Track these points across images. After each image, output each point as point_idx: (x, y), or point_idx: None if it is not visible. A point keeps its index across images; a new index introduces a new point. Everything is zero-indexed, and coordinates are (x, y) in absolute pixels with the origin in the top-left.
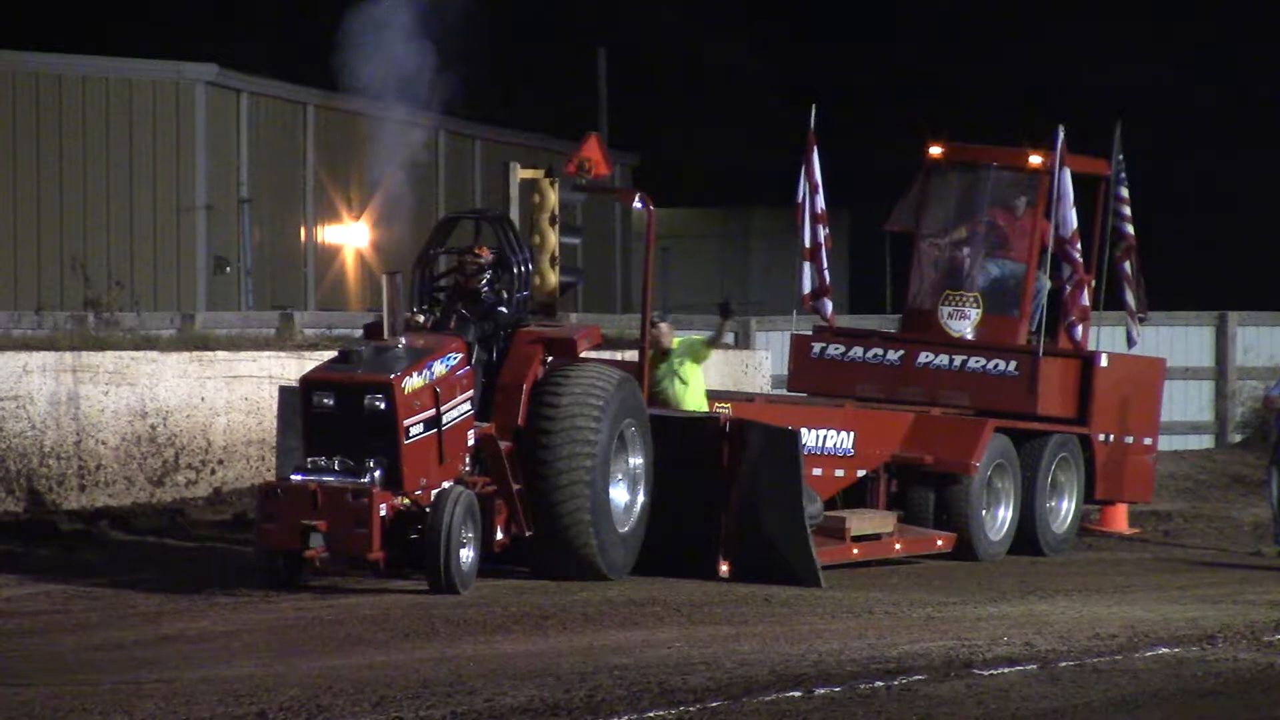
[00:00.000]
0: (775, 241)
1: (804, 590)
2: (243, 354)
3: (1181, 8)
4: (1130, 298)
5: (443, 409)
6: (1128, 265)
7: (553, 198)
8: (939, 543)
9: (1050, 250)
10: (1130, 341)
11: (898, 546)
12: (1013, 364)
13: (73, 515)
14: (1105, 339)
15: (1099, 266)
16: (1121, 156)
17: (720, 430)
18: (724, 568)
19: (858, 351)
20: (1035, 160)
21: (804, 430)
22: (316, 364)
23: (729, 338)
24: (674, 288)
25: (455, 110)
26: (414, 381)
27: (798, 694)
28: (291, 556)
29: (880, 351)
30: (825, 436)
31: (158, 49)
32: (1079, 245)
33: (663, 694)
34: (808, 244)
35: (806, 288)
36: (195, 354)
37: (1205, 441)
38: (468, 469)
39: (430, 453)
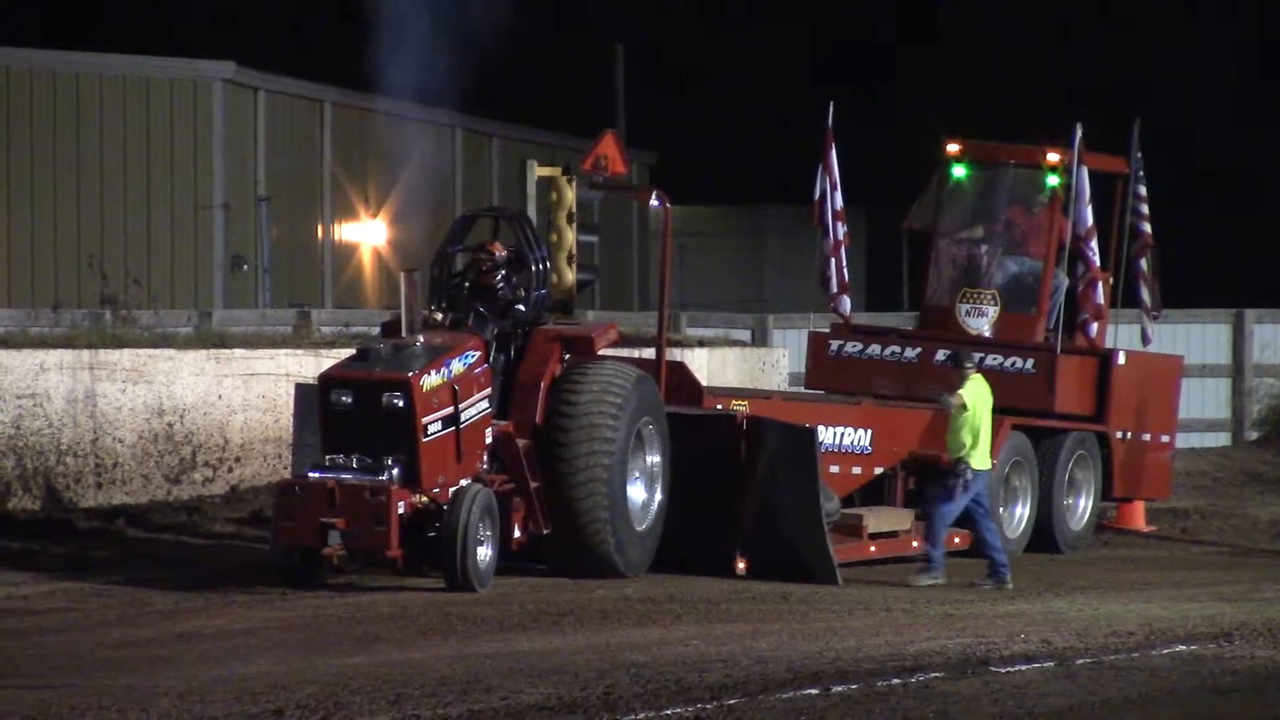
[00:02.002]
0: (791, 239)
1: (821, 588)
2: (260, 352)
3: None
4: (1146, 295)
5: (461, 407)
6: (1144, 263)
7: (570, 195)
8: (956, 540)
9: (1068, 248)
10: (1145, 339)
11: (915, 544)
12: (1030, 362)
13: (90, 513)
14: (1123, 336)
15: (1116, 264)
16: (1140, 154)
17: (738, 428)
18: (741, 565)
19: (875, 349)
20: (1053, 158)
21: (821, 428)
22: (334, 362)
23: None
24: (690, 285)
25: (473, 108)
26: (432, 379)
27: (815, 691)
28: (309, 554)
29: (898, 349)
30: (843, 434)
31: (175, 47)
32: (1094, 243)
33: (680, 692)
34: (831, 242)
35: (834, 287)
36: (212, 352)
37: (1222, 439)
38: (485, 467)
39: (448, 450)
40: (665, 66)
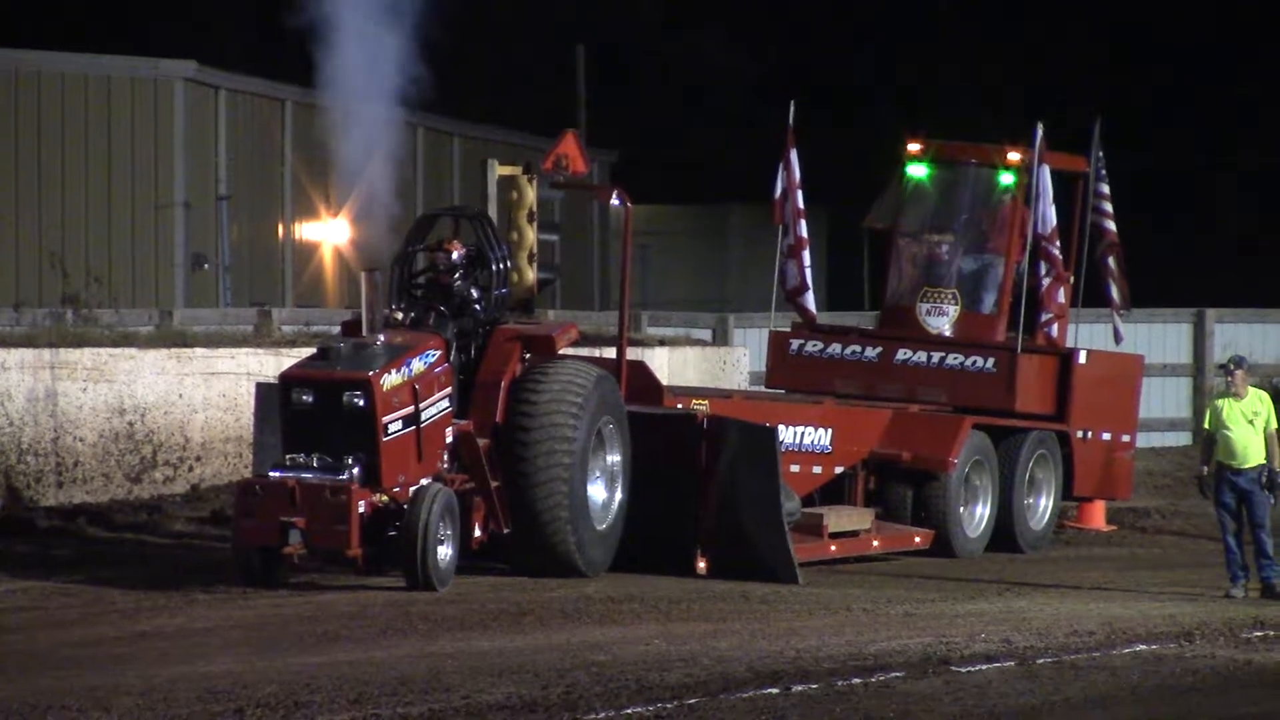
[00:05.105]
0: (753, 238)
1: (781, 587)
2: (221, 351)
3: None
4: (1115, 293)
5: (421, 406)
6: (1111, 261)
7: (531, 195)
8: (917, 539)
9: (1028, 247)
10: (1117, 337)
11: (875, 543)
12: (991, 361)
13: (50, 512)
14: (1084, 335)
15: (1077, 263)
16: (1101, 154)
17: (698, 427)
18: (702, 565)
19: (836, 348)
20: (1014, 157)
21: (782, 427)
22: (295, 361)
23: None
24: (652, 285)
25: (433, 107)
26: (393, 378)
27: (775, 691)
28: (270, 553)
29: (858, 348)
30: (803, 433)
31: (136, 46)
32: (1058, 242)
33: (640, 691)
34: (793, 240)
35: (802, 286)
36: (173, 351)
37: (1183, 438)
38: (446, 466)
39: (409, 450)
40: (627, 65)
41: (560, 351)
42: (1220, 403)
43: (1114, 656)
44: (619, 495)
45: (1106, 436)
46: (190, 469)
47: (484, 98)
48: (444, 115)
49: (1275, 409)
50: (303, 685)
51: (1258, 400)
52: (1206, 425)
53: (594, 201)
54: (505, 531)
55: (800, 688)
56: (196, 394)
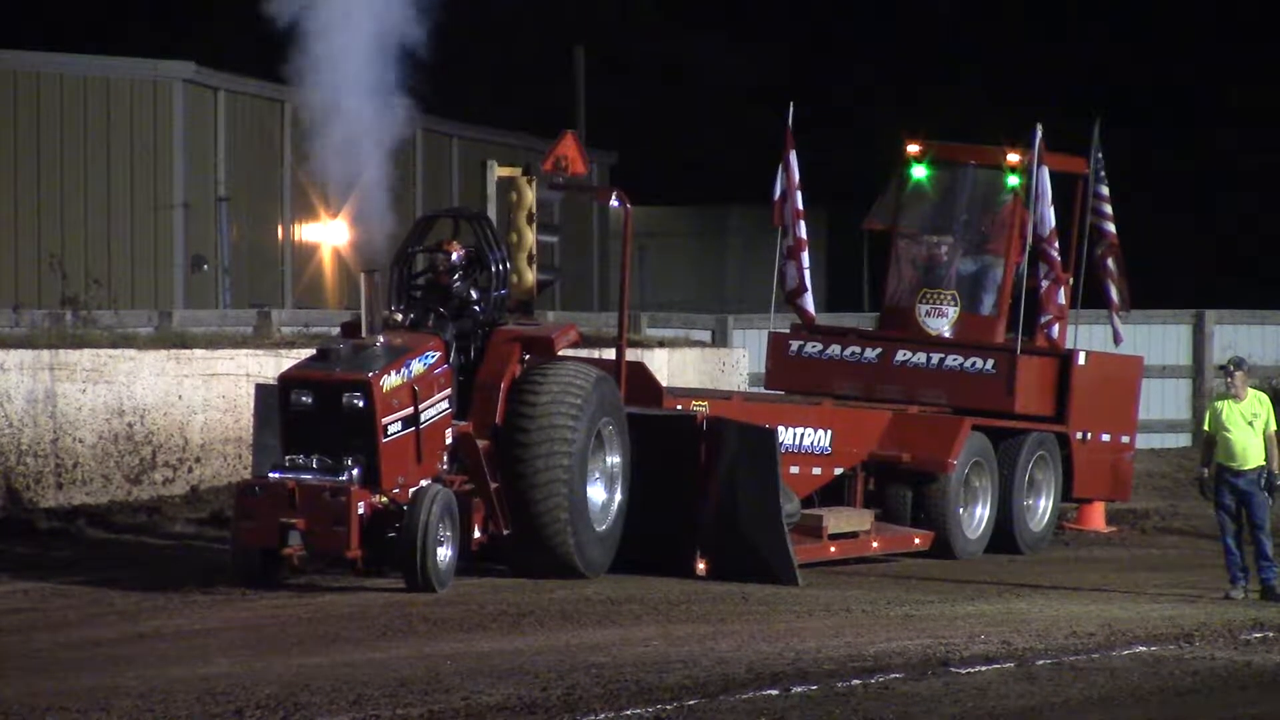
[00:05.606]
0: (752, 239)
1: (781, 588)
2: (220, 352)
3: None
4: (1115, 295)
5: (421, 407)
6: (1111, 262)
7: (530, 196)
8: (916, 541)
9: (1028, 248)
10: (1116, 339)
11: (875, 545)
12: (990, 362)
13: (50, 513)
14: (1084, 337)
15: (1077, 264)
16: (1100, 155)
17: (698, 428)
18: (701, 566)
19: (835, 350)
20: (1013, 158)
21: (781, 428)
22: (294, 362)
23: None
24: (651, 286)
25: (432, 108)
26: (392, 380)
27: (775, 692)
28: (269, 554)
29: (858, 350)
30: (803, 435)
31: (135, 47)
32: (1057, 244)
33: (640, 692)
34: (792, 242)
35: (801, 287)
36: (173, 352)
37: (1183, 440)
38: (445, 467)
39: (408, 451)
40: (627, 65)
41: (559, 353)
42: (1220, 404)
43: (1113, 658)
44: (619, 496)
45: (1106, 438)
46: (190, 470)
47: (483, 98)
48: (443, 116)
49: (1275, 411)
50: (302, 686)
51: (1257, 402)
52: (1206, 427)
53: (593, 202)
54: (505, 533)
55: (800, 689)
56: (196, 395)
